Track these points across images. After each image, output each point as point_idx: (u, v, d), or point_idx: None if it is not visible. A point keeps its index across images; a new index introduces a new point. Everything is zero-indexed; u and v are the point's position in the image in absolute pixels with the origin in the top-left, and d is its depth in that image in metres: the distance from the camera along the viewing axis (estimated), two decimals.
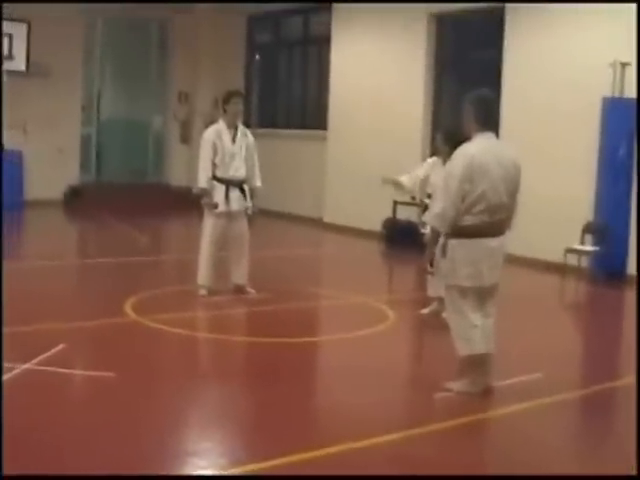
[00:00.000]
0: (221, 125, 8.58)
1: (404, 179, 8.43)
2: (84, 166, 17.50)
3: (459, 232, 5.59)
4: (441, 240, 5.72)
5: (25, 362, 5.89)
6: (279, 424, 5.21)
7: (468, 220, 5.55)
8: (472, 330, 5.70)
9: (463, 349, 5.77)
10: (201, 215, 8.74)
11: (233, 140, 8.53)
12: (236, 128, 8.61)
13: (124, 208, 15.42)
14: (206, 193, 8.49)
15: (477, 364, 5.77)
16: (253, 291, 8.73)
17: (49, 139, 16.40)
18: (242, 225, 8.67)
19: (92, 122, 17.76)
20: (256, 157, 8.76)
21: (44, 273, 9.81)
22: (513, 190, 5.71)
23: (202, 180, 8.48)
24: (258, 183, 8.79)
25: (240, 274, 8.74)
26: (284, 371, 6.42)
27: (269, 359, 6.74)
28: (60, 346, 6.36)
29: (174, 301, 8.44)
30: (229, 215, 8.56)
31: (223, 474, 4.44)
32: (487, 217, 5.56)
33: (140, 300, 8.25)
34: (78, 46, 16.91)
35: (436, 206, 5.64)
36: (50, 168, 16.32)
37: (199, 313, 8.29)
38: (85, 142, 17.52)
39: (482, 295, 5.75)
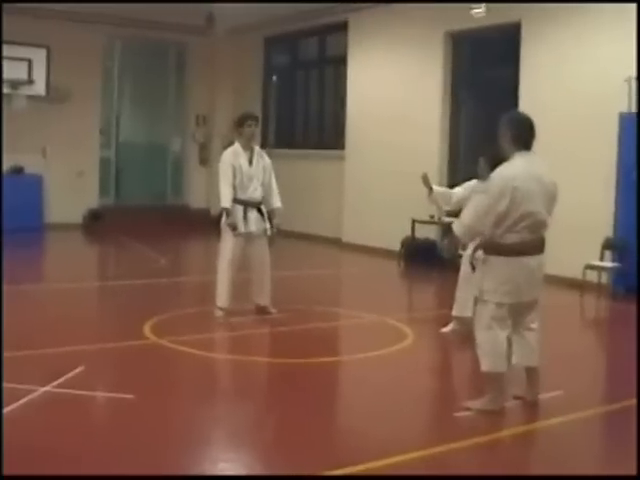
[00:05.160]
0: (237, 147, 8.62)
1: (438, 189, 8.39)
2: (103, 189, 17.61)
3: (501, 249, 5.63)
4: (478, 255, 5.79)
5: (45, 385, 5.90)
6: (298, 444, 5.20)
7: (511, 238, 5.60)
8: (499, 347, 5.72)
9: (486, 365, 5.78)
10: (219, 236, 8.75)
11: (250, 162, 8.58)
12: (252, 150, 8.65)
13: (144, 231, 15.51)
14: (229, 213, 8.49)
15: (497, 382, 5.76)
16: (275, 311, 8.74)
17: (69, 162, 16.54)
18: (262, 246, 8.69)
19: (111, 145, 17.87)
20: (274, 178, 8.79)
21: (64, 296, 9.85)
22: (550, 208, 5.77)
23: (225, 200, 8.45)
24: (278, 204, 8.79)
25: (263, 295, 8.76)
26: (304, 391, 6.41)
27: (289, 379, 6.73)
28: (79, 368, 6.38)
29: (193, 323, 8.45)
30: (248, 236, 8.58)
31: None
32: (528, 234, 5.61)
33: (159, 322, 8.26)
34: (97, 70, 17.08)
35: (466, 218, 5.69)
36: (70, 191, 16.47)
37: (219, 334, 8.29)
38: (104, 165, 17.63)
39: (520, 311, 5.80)
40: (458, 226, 5.71)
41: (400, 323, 8.60)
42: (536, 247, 5.70)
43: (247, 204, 8.55)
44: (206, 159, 18.24)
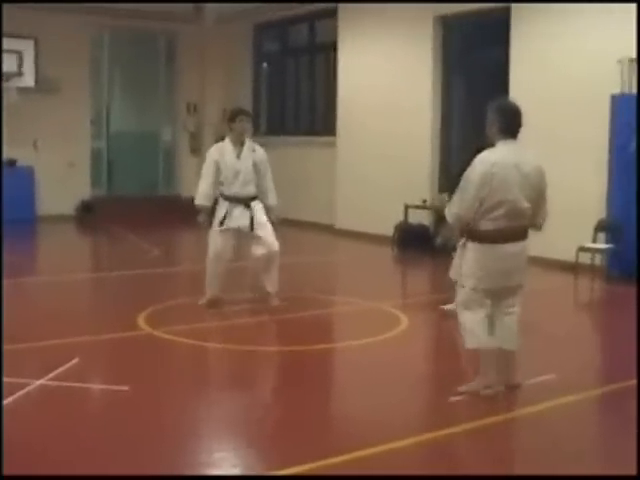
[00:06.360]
0: (226, 142, 8.54)
1: None
2: (95, 180, 17.56)
3: (477, 236, 5.69)
4: (462, 241, 5.88)
5: (39, 378, 5.89)
6: (294, 432, 5.20)
7: (486, 225, 5.64)
8: (479, 324, 5.78)
9: (470, 343, 5.86)
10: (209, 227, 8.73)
11: (238, 157, 8.48)
12: (242, 144, 8.56)
13: (136, 221, 15.49)
14: (203, 210, 8.50)
15: (487, 357, 5.80)
16: (277, 301, 8.55)
17: (60, 154, 16.50)
18: (259, 239, 8.44)
19: (102, 136, 17.82)
20: (269, 174, 8.63)
21: (57, 288, 9.84)
22: (536, 196, 5.75)
23: (198, 197, 8.51)
24: (272, 201, 8.64)
25: (269, 284, 8.55)
26: (299, 379, 6.41)
27: (284, 368, 6.73)
28: (74, 361, 6.37)
29: (187, 313, 8.44)
30: (237, 231, 8.50)
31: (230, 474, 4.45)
32: (505, 222, 5.62)
33: (153, 312, 8.26)
34: (86, 60, 17.03)
35: (454, 206, 5.75)
36: (61, 183, 16.42)
37: (213, 324, 8.27)
38: (96, 156, 17.59)
39: (498, 294, 5.83)
40: (450, 216, 5.78)
41: (394, 309, 8.60)
42: (514, 235, 5.70)
43: (232, 200, 8.49)
44: (197, 148, 18.20)
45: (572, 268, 10.66)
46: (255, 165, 8.51)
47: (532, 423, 5.49)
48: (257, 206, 8.51)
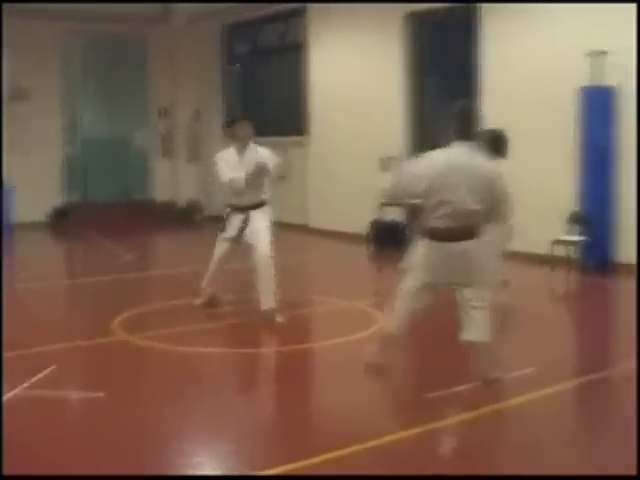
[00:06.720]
0: (231, 149, 8.49)
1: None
2: (69, 186, 17.42)
3: (427, 233, 5.87)
4: (417, 236, 6.08)
5: (15, 387, 5.84)
6: (275, 433, 5.20)
7: (435, 223, 5.78)
8: (406, 314, 5.99)
9: (391, 326, 6.12)
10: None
11: (240, 162, 8.33)
12: (245, 147, 8.46)
13: (110, 226, 15.42)
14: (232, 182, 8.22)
15: (390, 344, 6.13)
16: (281, 320, 8.09)
17: (32, 161, 16.35)
18: (252, 248, 8.29)
19: (75, 142, 17.70)
20: (274, 159, 8.40)
21: (31, 295, 9.77)
22: (490, 197, 5.78)
23: (237, 177, 8.19)
24: (270, 167, 8.28)
25: (261, 299, 8.18)
26: (277, 380, 6.41)
27: (260, 369, 6.72)
28: (50, 368, 6.32)
29: (163, 317, 8.40)
30: (235, 239, 8.43)
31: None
32: (451, 222, 5.73)
33: (129, 318, 8.21)
34: (56, 67, 16.92)
35: (388, 184, 6.07)
36: (34, 190, 16.27)
37: (188, 328, 8.19)
38: (68, 162, 17.47)
39: (450, 288, 5.95)
40: (384, 190, 6.15)
41: (370, 308, 8.59)
42: (462, 234, 5.77)
43: (233, 208, 8.42)
44: (169, 151, 18.12)
45: (549, 261, 10.70)
46: (259, 167, 8.18)
47: (513, 416, 5.50)
48: (256, 215, 8.33)
